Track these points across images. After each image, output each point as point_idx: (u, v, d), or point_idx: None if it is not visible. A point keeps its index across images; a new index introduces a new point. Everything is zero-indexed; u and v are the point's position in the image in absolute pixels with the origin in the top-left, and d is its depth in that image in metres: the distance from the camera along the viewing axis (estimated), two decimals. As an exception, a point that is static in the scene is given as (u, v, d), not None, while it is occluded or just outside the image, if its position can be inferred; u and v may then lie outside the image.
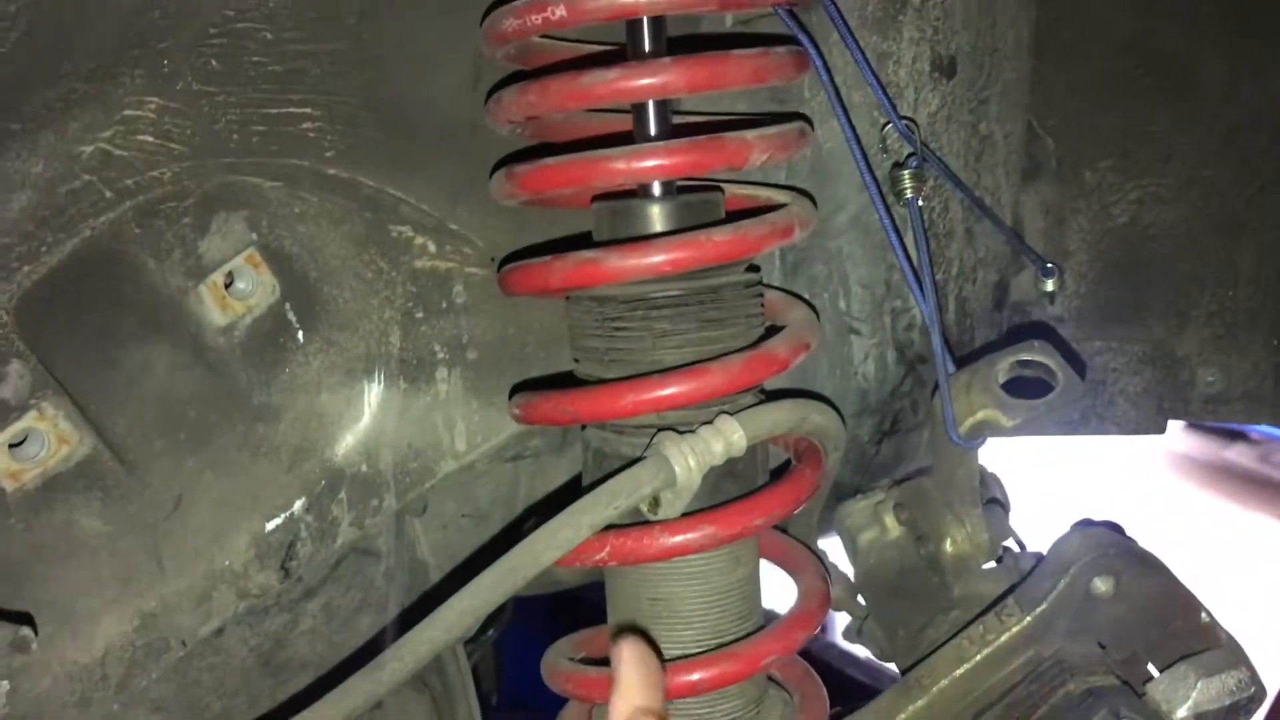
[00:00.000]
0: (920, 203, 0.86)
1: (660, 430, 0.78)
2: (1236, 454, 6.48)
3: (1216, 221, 1.08)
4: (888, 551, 0.92)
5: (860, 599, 0.98)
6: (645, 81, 0.75)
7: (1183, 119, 1.06)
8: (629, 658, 0.69)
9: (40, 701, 0.80)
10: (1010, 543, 0.90)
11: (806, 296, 0.96)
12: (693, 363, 0.78)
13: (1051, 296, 1.07)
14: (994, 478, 0.93)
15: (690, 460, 0.76)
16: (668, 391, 0.77)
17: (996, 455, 0.89)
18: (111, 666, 0.83)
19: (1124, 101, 1.07)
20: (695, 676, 0.79)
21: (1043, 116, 1.06)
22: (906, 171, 0.86)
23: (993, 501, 0.89)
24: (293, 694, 0.96)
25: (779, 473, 0.86)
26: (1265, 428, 5.91)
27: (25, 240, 0.76)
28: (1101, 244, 1.10)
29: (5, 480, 0.80)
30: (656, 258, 0.75)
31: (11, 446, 0.80)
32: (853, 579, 0.97)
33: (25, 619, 0.77)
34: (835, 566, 0.99)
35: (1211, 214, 1.08)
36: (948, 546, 0.86)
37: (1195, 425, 6.57)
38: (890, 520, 0.93)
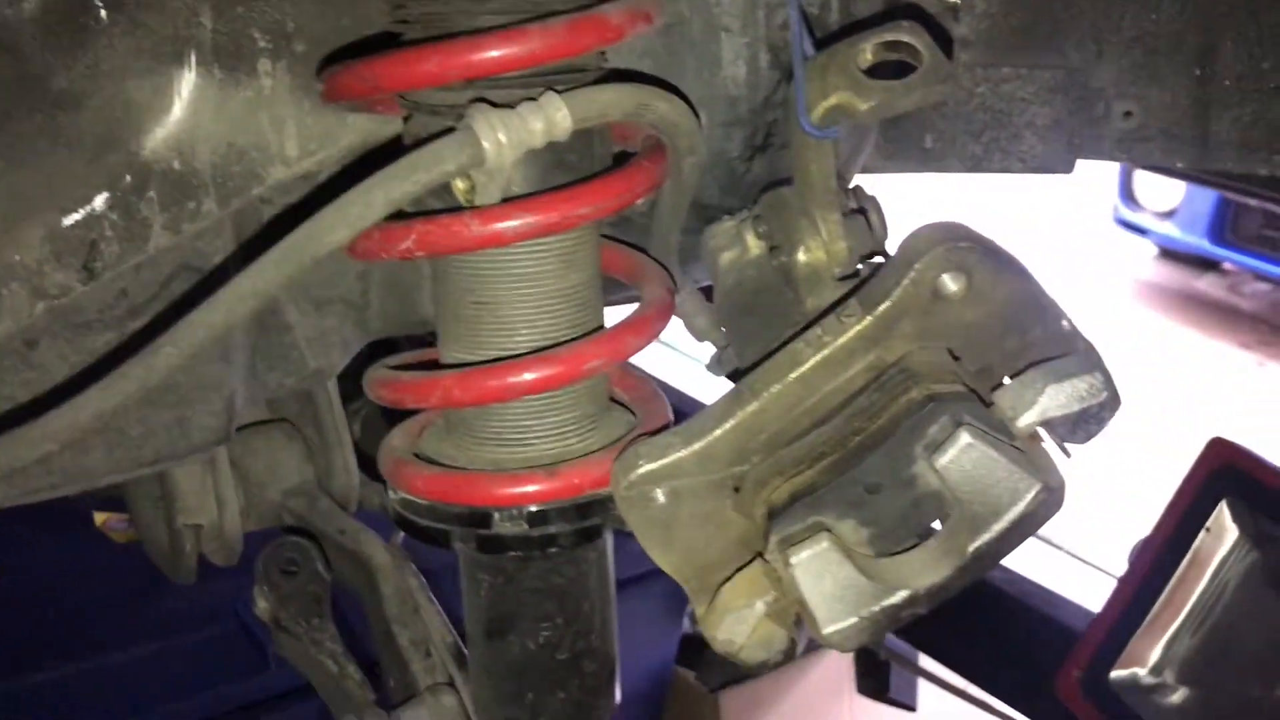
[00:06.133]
0: None
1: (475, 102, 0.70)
2: (1206, 285, 6.48)
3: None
4: (747, 271, 0.85)
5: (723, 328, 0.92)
6: None
7: None
8: None
9: None
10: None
11: (672, -14, 0.86)
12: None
13: (955, 11, 0.97)
14: (872, 200, 0.85)
15: (501, 135, 0.67)
16: (476, 54, 0.68)
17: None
18: None
19: None
20: (507, 379, 0.73)
21: None
22: None
23: (859, 213, 0.82)
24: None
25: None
26: (1236, 257, 5.88)
27: None
28: None
29: None
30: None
31: None
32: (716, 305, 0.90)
33: None
34: (699, 295, 0.92)
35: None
36: (800, 255, 0.79)
37: (1167, 255, 6.56)
38: (751, 237, 0.85)
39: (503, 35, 0.68)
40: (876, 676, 2.34)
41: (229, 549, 1.18)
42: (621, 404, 0.86)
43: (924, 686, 2.36)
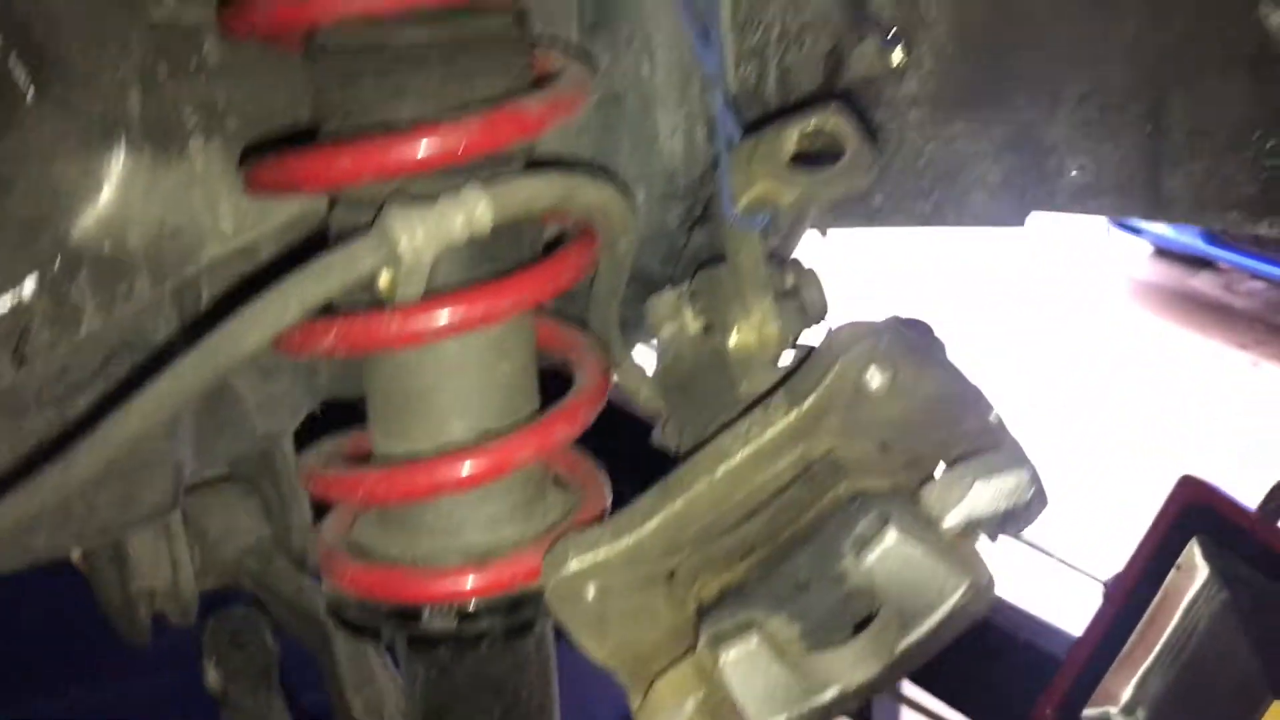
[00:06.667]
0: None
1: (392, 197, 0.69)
2: (1201, 283, 6.46)
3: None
4: (685, 348, 0.84)
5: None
6: None
7: None
8: None
9: None
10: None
11: (607, 59, 0.85)
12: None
13: (900, 72, 0.96)
14: (810, 274, 0.84)
15: (419, 234, 0.66)
16: (390, 154, 0.67)
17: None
18: None
19: None
20: (432, 478, 0.73)
21: None
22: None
23: (791, 293, 0.81)
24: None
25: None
26: (1231, 256, 5.87)
27: None
28: (965, 12, 0.98)
29: None
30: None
31: None
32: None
33: None
34: (641, 365, 0.92)
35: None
36: (732, 339, 0.78)
37: (1162, 254, 6.54)
38: (689, 314, 0.84)
39: (418, 132, 0.67)
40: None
41: (184, 609, 1.18)
42: (560, 476, 0.85)
43: (906, 714, 2.35)
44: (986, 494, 0.68)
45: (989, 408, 0.71)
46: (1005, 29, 0.99)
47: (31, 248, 0.81)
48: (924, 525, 0.68)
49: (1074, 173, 1.03)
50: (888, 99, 0.99)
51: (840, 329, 0.70)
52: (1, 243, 0.81)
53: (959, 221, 1.04)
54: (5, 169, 0.80)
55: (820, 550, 0.70)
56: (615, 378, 0.89)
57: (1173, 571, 1.49)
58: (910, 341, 0.69)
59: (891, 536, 0.67)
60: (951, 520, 0.68)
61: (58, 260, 0.82)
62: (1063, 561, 3.87)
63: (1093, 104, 1.01)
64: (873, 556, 0.68)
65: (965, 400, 0.71)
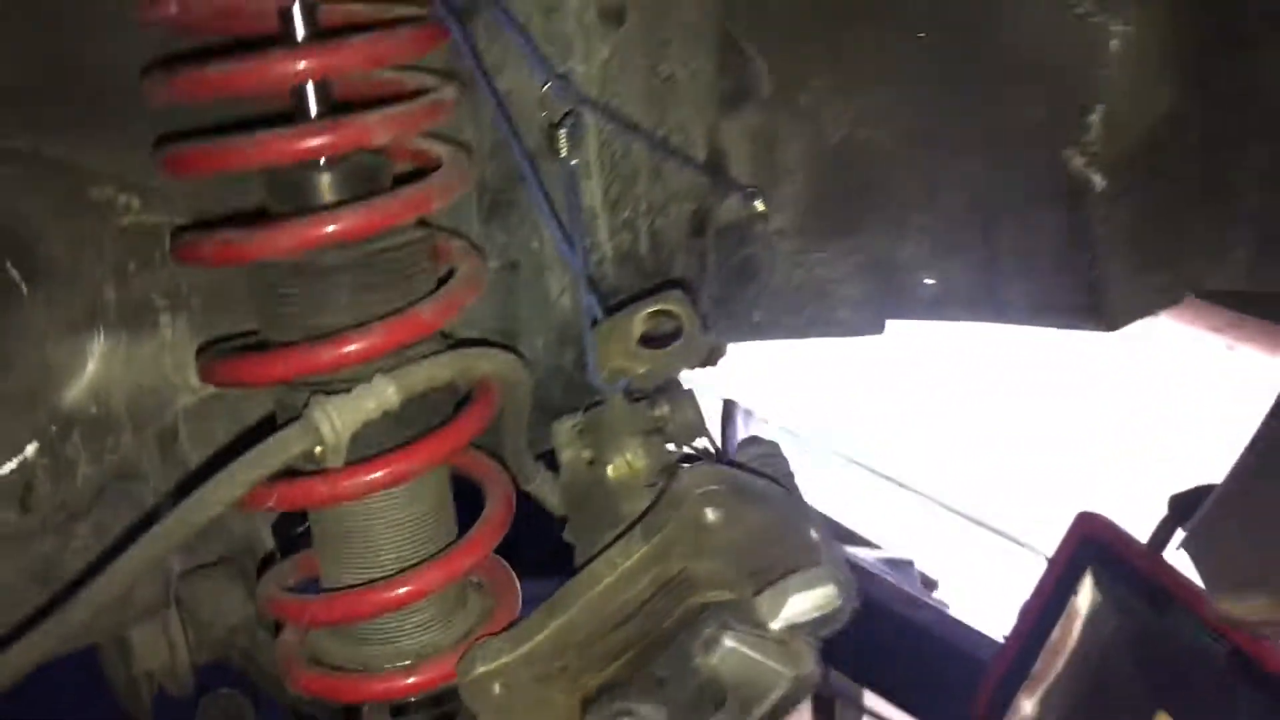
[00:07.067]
0: (574, 162, 0.91)
1: (318, 390, 0.86)
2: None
3: (927, 136, 1.13)
4: (579, 472, 1.01)
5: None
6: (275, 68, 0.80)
7: (890, 41, 1.09)
8: None
9: None
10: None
11: (503, 237, 1.02)
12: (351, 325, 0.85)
13: (764, 216, 1.12)
14: (686, 395, 1.01)
15: (337, 420, 0.83)
16: (314, 359, 0.84)
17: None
18: None
19: (836, 24, 1.09)
20: (360, 606, 0.90)
21: (757, 43, 1.09)
22: (562, 130, 0.91)
23: (661, 428, 0.97)
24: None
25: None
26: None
27: None
28: (819, 160, 1.14)
29: None
30: (265, 242, 0.82)
31: None
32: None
33: None
34: (550, 478, 1.08)
35: (922, 129, 1.12)
36: (610, 471, 0.95)
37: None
38: (581, 443, 1.01)
39: (337, 342, 0.84)
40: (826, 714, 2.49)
41: (182, 684, 1.35)
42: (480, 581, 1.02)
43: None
44: (804, 604, 0.85)
45: (809, 527, 0.88)
46: (857, 171, 1.15)
47: (31, 416, 0.99)
48: (755, 630, 0.85)
49: (925, 286, 1.19)
50: (759, 234, 1.16)
51: (686, 474, 0.87)
52: (6, 414, 0.98)
53: (827, 333, 1.21)
54: (7, 352, 0.98)
55: (678, 651, 0.87)
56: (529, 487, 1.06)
57: (1071, 599, 1.67)
58: (737, 485, 0.87)
59: (728, 641, 0.85)
60: (776, 625, 0.85)
61: (53, 426, 0.99)
62: (1038, 552, 3.98)
63: (935, 229, 1.17)
64: (716, 657, 0.85)
65: (788, 525, 0.88)
